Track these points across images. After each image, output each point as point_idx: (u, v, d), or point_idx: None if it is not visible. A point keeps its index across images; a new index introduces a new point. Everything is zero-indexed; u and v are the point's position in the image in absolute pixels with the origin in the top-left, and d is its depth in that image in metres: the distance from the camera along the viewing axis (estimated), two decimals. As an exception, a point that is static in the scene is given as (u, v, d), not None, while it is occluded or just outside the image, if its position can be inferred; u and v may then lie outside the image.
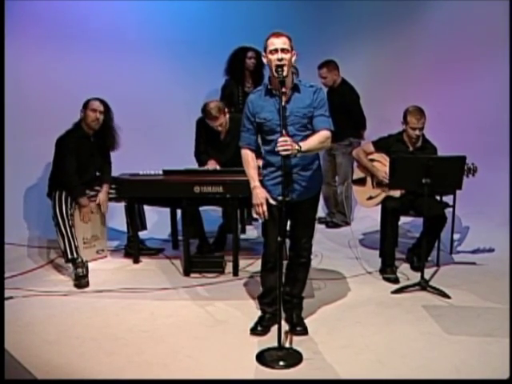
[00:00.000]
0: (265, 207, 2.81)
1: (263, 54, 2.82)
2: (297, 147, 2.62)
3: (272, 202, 2.82)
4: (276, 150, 2.61)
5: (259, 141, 3.01)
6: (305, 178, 2.87)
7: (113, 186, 4.30)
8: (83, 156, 4.10)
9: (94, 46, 5.21)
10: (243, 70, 5.12)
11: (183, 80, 5.75)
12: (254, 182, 2.86)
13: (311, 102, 2.83)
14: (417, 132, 3.94)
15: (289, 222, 3.01)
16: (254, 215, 2.91)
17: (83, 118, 4.09)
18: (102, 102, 4.12)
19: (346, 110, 5.24)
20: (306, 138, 2.80)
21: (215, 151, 4.39)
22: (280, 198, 2.72)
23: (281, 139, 2.61)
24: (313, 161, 2.91)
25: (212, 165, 4.33)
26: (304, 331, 2.98)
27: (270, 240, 2.95)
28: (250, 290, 3.65)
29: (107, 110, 4.15)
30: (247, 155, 2.94)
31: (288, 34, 2.78)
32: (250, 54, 5.06)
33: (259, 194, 2.82)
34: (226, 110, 4.26)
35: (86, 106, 4.08)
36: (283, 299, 3.11)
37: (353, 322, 3.16)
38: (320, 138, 2.77)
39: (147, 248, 4.58)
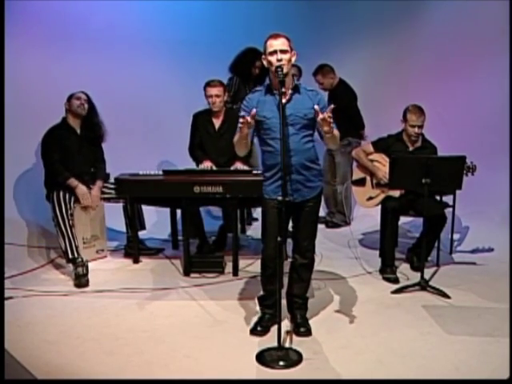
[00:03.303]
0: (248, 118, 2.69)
1: (263, 56, 2.83)
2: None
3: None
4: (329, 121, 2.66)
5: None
6: (306, 177, 2.88)
7: (112, 186, 4.30)
8: (70, 149, 4.13)
9: (94, 46, 5.21)
10: (250, 72, 5.12)
11: (183, 80, 5.75)
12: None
13: (313, 104, 2.84)
14: (416, 130, 3.94)
15: (291, 223, 3.01)
16: (239, 124, 2.72)
17: (68, 109, 4.15)
18: (84, 93, 4.20)
19: (343, 110, 5.24)
20: (304, 138, 2.84)
21: (209, 141, 4.44)
22: (286, 199, 2.75)
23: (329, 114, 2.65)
24: (313, 160, 2.92)
25: (207, 164, 4.34)
26: (307, 332, 2.98)
27: (268, 243, 2.95)
28: (249, 289, 3.66)
29: (90, 102, 4.22)
30: None
31: (286, 34, 2.79)
32: (257, 63, 5.03)
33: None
34: (228, 97, 4.41)
35: (69, 99, 4.16)
36: (287, 299, 3.11)
37: (353, 322, 3.16)
38: (337, 133, 2.87)
39: (147, 248, 4.58)
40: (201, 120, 4.48)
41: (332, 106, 2.73)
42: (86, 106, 4.18)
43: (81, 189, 4.11)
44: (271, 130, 2.83)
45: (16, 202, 4.73)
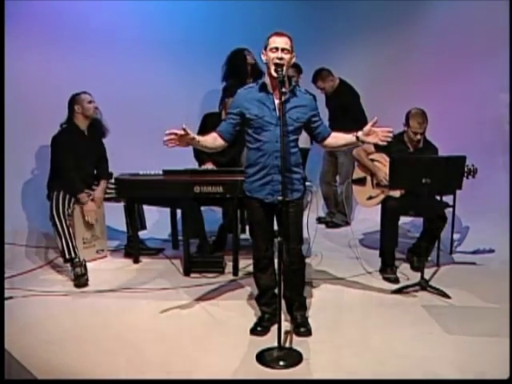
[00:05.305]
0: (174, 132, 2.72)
1: (263, 51, 2.82)
2: None
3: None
4: (385, 139, 2.81)
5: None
6: (289, 179, 2.85)
7: (113, 186, 4.31)
8: (79, 152, 4.11)
9: (93, 47, 5.21)
10: (246, 68, 5.09)
11: (182, 80, 5.75)
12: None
13: (308, 108, 2.86)
14: (418, 136, 3.94)
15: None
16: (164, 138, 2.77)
17: (81, 112, 4.10)
18: (89, 94, 4.18)
19: (346, 111, 5.24)
20: (292, 142, 2.85)
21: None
22: (267, 199, 2.83)
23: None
24: (297, 164, 2.92)
25: (208, 165, 4.33)
26: (307, 332, 2.97)
27: (258, 241, 2.96)
28: (249, 290, 3.65)
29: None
30: (211, 134, 2.92)
31: (290, 35, 2.80)
32: (248, 59, 5.01)
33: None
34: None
35: (76, 101, 4.10)
36: (285, 301, 3.10)
37: (353, 322, 3.16)
38: None
39: (147, 248, 4.58)
40: (211, 123, 4.39)
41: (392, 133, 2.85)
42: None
43: (88, 205, 4.16)
44: (261, 129, 2.82)
45: (16, 202, 4.73)
